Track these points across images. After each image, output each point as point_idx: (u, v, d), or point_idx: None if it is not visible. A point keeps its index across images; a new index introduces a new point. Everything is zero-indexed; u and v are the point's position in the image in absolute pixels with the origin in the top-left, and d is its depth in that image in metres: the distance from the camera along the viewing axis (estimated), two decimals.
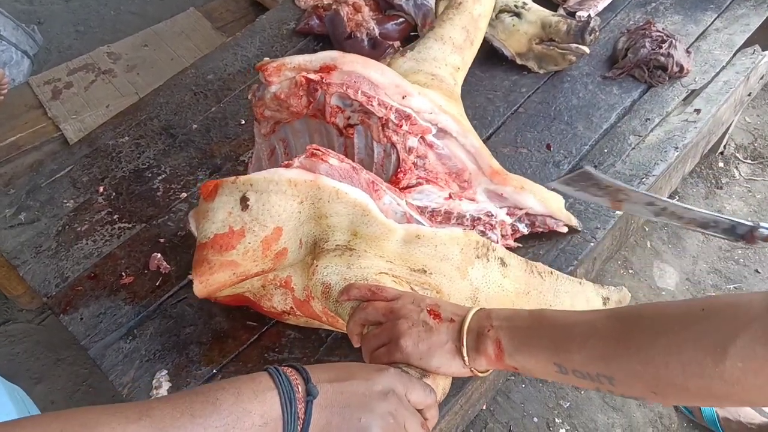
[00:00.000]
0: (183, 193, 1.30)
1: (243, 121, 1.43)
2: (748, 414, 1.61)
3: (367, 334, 0.81)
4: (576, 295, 1.00)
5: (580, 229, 1.16)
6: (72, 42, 2.91)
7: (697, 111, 1.36)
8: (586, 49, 1.40)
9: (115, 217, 1.27)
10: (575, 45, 1.40)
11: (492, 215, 1.08)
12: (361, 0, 1.58)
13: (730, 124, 1.88)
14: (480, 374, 0.77)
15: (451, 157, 1.10)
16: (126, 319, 1.11)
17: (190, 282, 1.11)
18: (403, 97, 1.06)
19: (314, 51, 1.18)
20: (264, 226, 0.88)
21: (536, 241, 1.15)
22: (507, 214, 1.11)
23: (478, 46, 1.28)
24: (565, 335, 0.69)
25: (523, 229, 1.13)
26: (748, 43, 1.50)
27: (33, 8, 3.08)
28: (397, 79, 1.07)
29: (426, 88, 1.12)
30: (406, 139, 1.06)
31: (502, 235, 1.10)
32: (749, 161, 2.24)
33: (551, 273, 1.00)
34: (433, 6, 1.43)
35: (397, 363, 0.75)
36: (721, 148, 2.22)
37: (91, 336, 1.10)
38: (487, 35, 1.45)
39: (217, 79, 1.54)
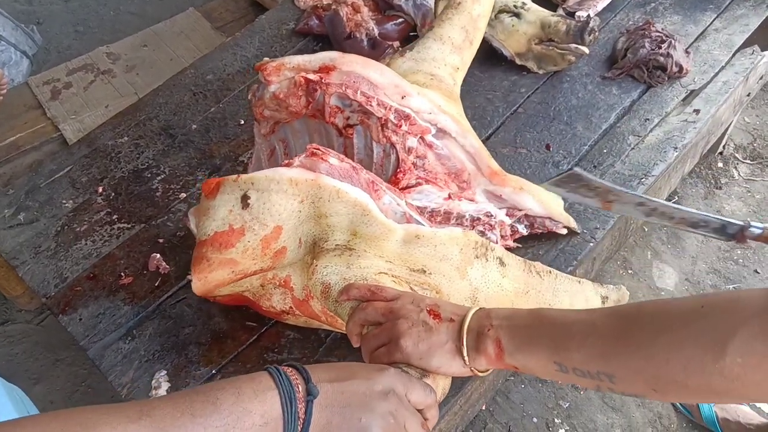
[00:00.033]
0: (182, 194, 1.30)
1: (242, 122, 1.43)
2: (747, 414, 1.61)
3: (366, 335, 0.81)
4: (575, 294, 1.00)
5: (578, 231, 1.16)
6: (71, 42, 2.91)
7: (697, 111, 1.36)
8: (586, 50, 1.40)
9: (114, 217, 1.27)
10: (574, 45, 1.40)
11: (491, 216, 1.08)
12: (360, 0, 1.58)
13: (730, 124, 1.88)
14: (480, 374, 0.77)
15: (451, 158, 1.10)
16: (125, 320, 1.11)
17: (190, 282, 1.11)
18: (403, 98, 1.06)
19: (313, 51, 1.18)
20: (264, 224, 0.88)
21: (535, 242, 1.15)
22: (506, 214, 1.11)
23: (477, 46, 1.28)
24: (565, 334, 0.69)
25: (523, 230, 1.13)
26: (747, 44, 1.50)
27: (32, 8, 3.08)
28: (397, 80, 1.07)
29: (425, 88, 1.12)
30: (405, 140, 1.06)
31: (502, 236, 1.10)
32: (748, 161, 2.24)
33: (550, 272, 1.00)
34: (433, 6, 1.43)
35: (397, 363, 0.75)
36: (720, 149, 2.22)
37: (90, 336, 1.09)
38: (486, 35, 1.45)
39: (216, 80, 1.54)
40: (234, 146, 1.39)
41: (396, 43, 1.53)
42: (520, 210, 1.11)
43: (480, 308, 0.77)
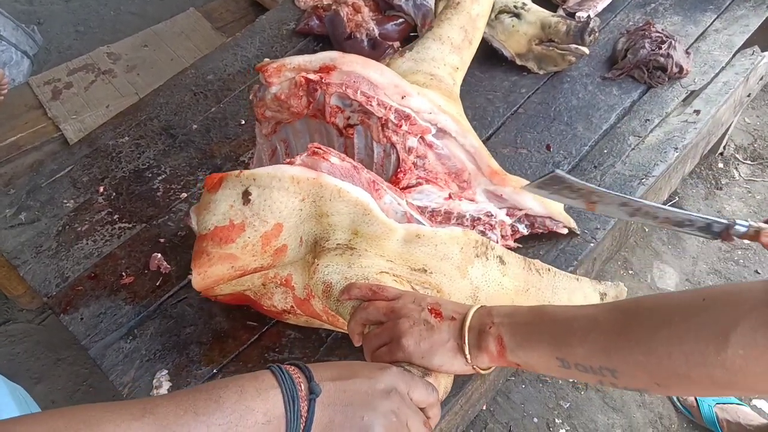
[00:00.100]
0: (183, 194, 1.30)
1: (243, 122, 1.43)
2: (748, 415, 1.62)
3: (368, 334, 0.81)
4: (573, 292, 1.01)
5: (578, 232, 1.16)
6: (72, 42, 2.92)
7: (697, 112, 1.36)
8: (586, 50, 1.41)
9: (116, 217, 1.27)
10: (575, 46, 1.40)
11: (492, 215, 1.08)
12: (360, 0, 1.58)
13: (730, 125, 1.88)
14: (482, 371, 0.77)
15: (451, 157, 1.10)
16: (126, 319, 1.11)
17: (191, 282, 1.11)
18: (403, 97, 1.06)
19: (314, 51, 1.18)
20: (264, 221, 0.89)
21: (536, 242, 1.15)
22: (507, 214, 1.11)
23: (477, 46, 1.28)
24: (567, 329, 0.69)
25: (523, 230, 1.13)
26: (747, 44, 1.50)
27: (33, 8, 3.08)
28: (396, 79, 1.07)
29: (425, 88, 1.12)
30: (405, 139, 1.06)
31: (502, 236, 1.10)
32: (749, 162, 2.24)
33: (549, 270, 1.00)
34: (433, 6, 1.43)
35: (398, 362, 0.75)
36: (720, 149, 2.22)
37: (92, 336, 1.10)
38: (486, 36, 1.45)
39: (217, 80, 1.54)
40: (235, 146, 1.39)
41: (396, 44, 1.53)
42: (521, 210, 1.11)
43: (481, 306, 0.77)
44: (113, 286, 1.16)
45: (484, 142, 1.32)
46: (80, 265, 1.20)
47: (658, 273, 1.98)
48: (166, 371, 1.04)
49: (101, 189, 1.32)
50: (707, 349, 0.57)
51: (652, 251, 2.02)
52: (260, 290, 0.98)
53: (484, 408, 1.71)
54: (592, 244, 1.15)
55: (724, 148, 2.24)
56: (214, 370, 1.04)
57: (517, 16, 1.45)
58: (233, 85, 1.53)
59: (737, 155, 2.26)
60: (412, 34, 1.58)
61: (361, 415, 0.64)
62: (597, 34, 1.43)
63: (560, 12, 1.55)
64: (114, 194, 1.32)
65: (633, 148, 1.31)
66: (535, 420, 1.71)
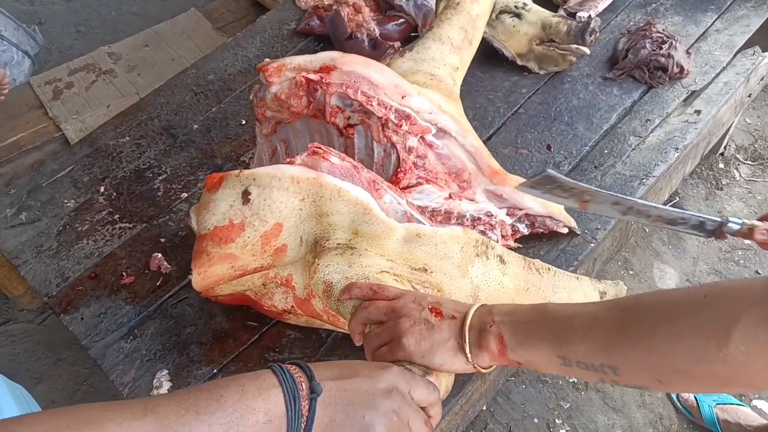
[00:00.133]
0: (184, 193, 1.30)
1: (244, 122, 1.43)
2: (748, 416, 1.61)
3: (369, 333, 0.81)
4: (573, 291, 1.01)
5: (578, 232, 1.16)
6: (73, 42, 2.92)
7: (698, 112, 1.36)
8: (587, 50, 1.40)
9: (116, 217, 1.28)
10: (575, 46, 1.40)
11: (492, 215, 1.08)
12: (361, 1, 1.58)
13: (731, 125, 1.88)
14: (483, 370, 0.77)
15: (451, 157, 1.10)
16: (127, 319, 1.11)
17: (191, 282, 1.11)
18: (403, 97, 1.06)
19: (315, 51, 1.18)
20: (264, 221, 0.89)
21: (536, 242, 1.15)
22: (507, 214, 1.11)
23: (477, 46, 1.28)
24: (568, 327, 0.69)
25: (523, 230, 1.13)
26: (748, 44, 1.50)
27: (34, 8, 3.08)
28: (397, 79, 1.07)
29: (425, 88, 1.12)
30: (405, 139, 1.06)
31: (503, 236, 1.10)
32: (749, 162, 2.24)
33: (549, 269, 1.00)
34: (434, 6, 1.43)
35: (399, 361, 0.75)
36: (721, 149, 2.22)
37: (92, 336, 1.10)
38: (487, 36, 1.45)
39: (217, 80, 1.54)
40: (235, 146, 1.39)
41: (397, 44, 1.53)
42: (521, 209, 1.11)
43: (482, 305, 0.77)
44: (114, 286, 1.16)
45: (485, 142, 1.32)
46: (81, 264, 1.20)
47: (658, 273, 1.98)
48: (167, 371, 1.04)
49: (102, 189, 1.32)
50: (709, 345, 0.57)
51: (652, 251, 2.02)
52: (260, 290, 0.98)
53: (485, 408, 1.71)
54: (592, 245, 1.15)
55: (725, 148, 2.24)
56: (215, 370, 1.04)
57: (518, 16, 1.45)
58: (234, 85, 1.53)
59: (738, 155, 2.26)
60: (412, 34, 1.58)
61: (363, 414, 0.64)
62: (598, 34, 1.43)
63: (561, 12, 1.55)
64: (115, 194, 1.32)
65: (633, 149, 1.31)
66: (536, 420, 1.71)
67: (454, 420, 1.05)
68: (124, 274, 1.18)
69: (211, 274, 0.92)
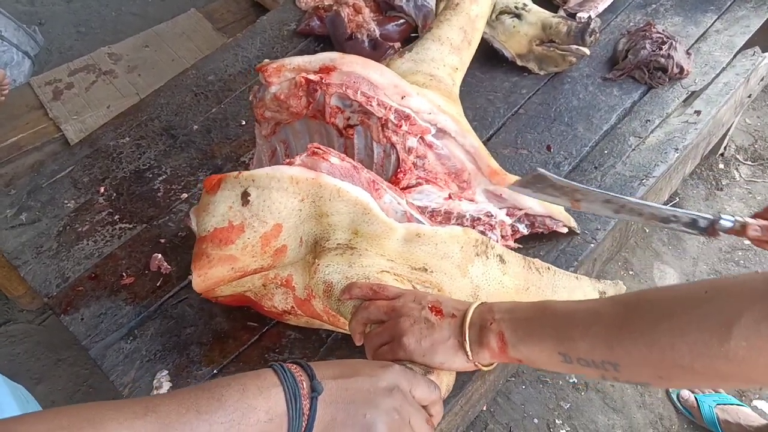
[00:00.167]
0: (184, 194, 1.30)
1: (244, 122, 1.44)
2: (749, 416, 1.61)
3: (369, 333, 0.81)
4: (573, 290, 1.01)
5: (578, 231, 1.16)
6: (73, 43, 2.92)
7: (698, 112, 1.36)
8: (587, 51, 1.41)
9: (116, 217, 1.28)
10: (575, 46, 1.40)
11: (492, 215, 1.08)
12: (361, 1, 1.58)
13: (731, 125, 1.88)
14: (484, 368, 0.77)
15: (450, 157, 1.10)
16: (127, 320, 1.11)
17: (191, 283, 1.11)
18: (402, 98, 1.06)
19: (315, 52, 1.18)
20: (263, 222, 0.89)
21: (536, 242, 1.15)
22: (507, 214, 1.11)
23: (476, 47, 1.28)
24: (569, 323, 0.69)
25: (523, 230, 1.13)
26: (748, 45, 1.50)
27: (34, 9, 3.09)
28: (396, 80, 1.07)
29: (424, 89, 1.13)
30: (405, 140, 1.06)
31: (502, 236, 1.10)
32: (749, 163, 2.24)
33: (548, 269, 1.00)
34: (434, 7, 1.43)
35: (400, 361, 0.75)
36: (721, 150, 2.22)
37: (92, 336, 1.10)
38: (487, 36, 1.45)
39: (217, 80, 1.54)
40: (235, 147, 1.39)
41: (397, 44, 1.53)
42: (521, 209, 1.11)
43: (482, 303, 0.77)
44: (114, 286, 1.16)
45: (485, 142, 1.32)
46: (81, 265, 1.20)
47: (658, 273, 1.98)
48: (167, 372, 1.04)
49: (102, 189, 1.32)
50: (710, 341, 0.57)
51: (652, 252, 2.02)
52: (261, 291, 0.98)
53: (485, 409, 1.71)
54: (592, 245, 1.15)
55: (725, 148, 2.24)
56: (215, 371, 1.04)
57: (518, 16, 1.45)
58: (234, 86, 1.53)
59: (738, 156, 2.26)
60: (413, 34, 1.58)
61: (364, 413, 0.64)
62: (598, 35, 1.43)
63: (561, 13, 1.55)
64: (115, 195, 1.32)
65: (633, 149, 1.31)
66: (536, 421, 1.71)
67: (454, 420, 1.05)
68: (124, 274, 1.18)
69: (211, 276, 0.92)
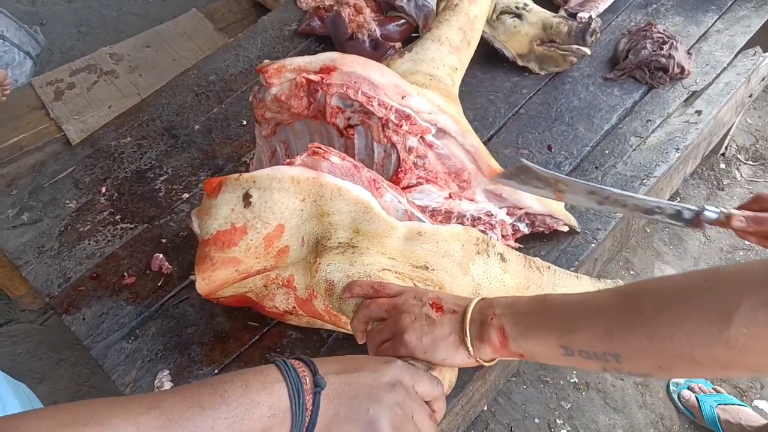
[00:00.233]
0: (185, 194, 1.31)
1: (245, 122, 1.44)
2: (749, 416, 1.61)
3: (371, 331, 0.81)
4: (574, 289, 1.01)
5: (578, 230, 1.16)
6: (74, 43, 2.92)
7: (698, 112, 1.36)
8: (587, 51, 1.41)
9: (117, 217, 1.28)
10: (576, 46, 1.40)
11: (492, 215, 1.08)
12: (362, 1, 1.58)
13: (732, 125, 1.88)
14: (486, 364, 0.77)
15: (451, 157, 1.11)
16: (128, 320, 1.11)
17: (192, 282, 1.11)
18: (403, 97, 1.06)
19: (315, 52, 1.19)
20: (266, 223, 0.89)
21: (537, 242, 1.15)
22: (507, 213, 1.11)
23: (475, 47, 1.28)
24: (569, 316, 0.69)
25: (524, 229, 1.13)
26: (749, 45, 1.50)
27: (35, 9, 3.09)
28: (397, 80, 1.07)
29: (424, 89, 1.13)
30: (406, 139, 1.06)
31: (503, 235, 1.10)
32: (751, 163, 2.24)
33: (549, 267, 1.01)
34: (434, 7, 1.43)
35: (402, 357, 0.76)
36: (722, 150, 2.22)
37: (94, 336, 1.10)
38: (488, 36, 1.45)
39: (218, 80, 1.55)
40: (236, 147, 1.39)
41: (398, 44, 1.53)
42: (521, 208, 1.11)
43: (482, 298, 0.77)
44: (115, 286, 1.17)
45: (486, 142, 1.32)
46: (82, 265, 1.20)
47: (659, 273, 1.98)
48: (168, 371, 1.04)
49: (103, 189, 1.33)
50: (710, 329, 0.57)
51: (653, 252, 2.02)
52: (262, 291, 0.98)
53: (485, 408, 1.71)
54: (593, 245, 1.15)
55: (726, 148, 2.24)
56: (216, 371, 1.04)
57: (519, 16, 1.45)
58: (235, 86, 1.53)
59: (739, 156, 2.26)
60: (413, 35, 1.58)
61: (367, 408, 0.64)
62: (598, 35, 1.43)
63: (562, 13, 1.55)
64: (116, 195, 1.32)
65: (634, 149, 1.31)
66: (537, 420, 1.71)
67: (455, 420, 1.05)
68: (125, 274, 1.18)
69: (215, 279, 0.92)
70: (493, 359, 0.77)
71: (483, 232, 1.06)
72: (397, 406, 0.65)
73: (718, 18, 1.56)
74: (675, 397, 1.73)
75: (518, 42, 1.45)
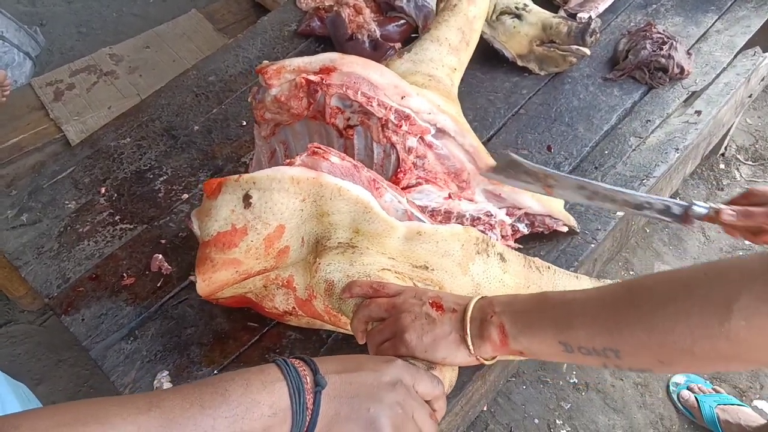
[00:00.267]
0: (184, 195, 1.30)
1: (244, 123, 1.44)
2: (749, 416, 1.61)
3: (371, 331, 0.81)
4: (573, 289, 1.01)
5: (578, 230, 1.16)
6: (74, 43, 2.92)
7: (698, 112, 1.36)
8: (587, 51, 1.41)
9: (117, 218, 1.28)
10: (576, 47, 1.40)
11: (491, 215, 1.08)
12: (362, 2, 1.58)
13: (731, 125, 1.88)
14: (486, 362, 0.77)
15: (450, 157, 1.11)
16: (127, 320, 1.11)
17: (192, 283, 1.11)
18: (402, 98, 1.06)
19: (315, 53, 1.19)
20: (266, 223, 0.89)
21: (537, 243, 1.15)
22: (506, 214, 1.11)
23: (474, 47, 1.28)
24: (568, 312, 0.69)
25: (523, 229, 1.13)
26: (748, 45, 1.50)
27: (35, 10, 3.09)
28: (396, 80, 1.07)
29: (424, 89, 1.13)
30: (405, 140, 1.06)
31: (502, 236, 1.10)
32: (750, 163, 2.24)
33: (548, 267, 1.01)
34: (434, 8, 1.43)
35: (402, 357, 0.75)
36: (722, 150, 2.22)
37: (93, 337, 1.10)
38: (488, 37, 1.45)
39: (218, 81, 1.55)
40: (236, 147, 1.39)
41: (398, 45, 1.53)
42: (520, 209, 1.11)
43: (482, 297, 0.77)
44: (114, 287, 1.16)
45: (485, 142, 1.32)
46: (81, 266, 1.20)
47: None
48: (167, 372, 1.04)
49: (103, 190, 1.33)
50: (710, 322, 0.57)
51: (653, 252, 2.02)
52: (262, 292, 0.98)
53: (485, 409, 1.71)
54: (592, 245, 1.15)
55: (726, 148, 2.24)
56: (215, 371, 1.04)
57: (519, 17, 1.45)
58: (235, 86, 1.53)
59: (738, 156, 2.26)
60: (413, 35, 1.58)
61: (367, 407, 0.64)
62: (598, 35, 1.43)
63: (561, 13, 1.55)
64: (115, 195, 1.32)
65: (634, 149, 1.31)
66: (536, 421, 1.71)
67: (455, 421, 1.05)
68: (124, 275, 1.18)
69: (216, 280, 0.92)
70: (494, 357, 0.77)
71: (482, 232, 1.06)
72: (397, 406, 0.65)
73: (718, 18, 1.56)
74: (674, 397, 1.73)
75: (518, 42, 1.45)
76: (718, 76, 1.43)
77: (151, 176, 1.35)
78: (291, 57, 1.19)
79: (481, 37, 1.33)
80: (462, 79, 1.25)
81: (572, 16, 1.52)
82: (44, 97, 2.03)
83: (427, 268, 0.91)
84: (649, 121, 1.36)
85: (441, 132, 1.10)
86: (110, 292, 1.16)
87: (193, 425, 0.55)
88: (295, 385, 0.61)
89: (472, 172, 1.11)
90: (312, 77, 1.05)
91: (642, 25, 1.52)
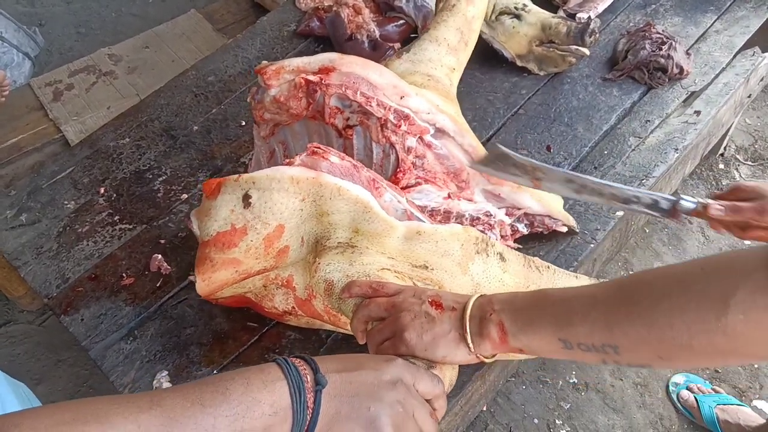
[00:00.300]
0: (184, 195, 1.30)
1: (243, 123, 1.44)
2: (748, 416, 1.61)
3: (371, 330, 0.81)
4: None
5: (577, 230, 1.16)
6: (73, 44, 2.92)
7: (697, 113, 1.36)
8: (586, 51, 1.41)
9: (116, 218, 1.28)
10: (575, 47, 1.40)
11: (491, 215, 1.08)
12: (361, 2, 1.58)
13: (730, 125, 1.88)
14: (486, 360, 0.77)
15: (449, 157, 1.11)
16: (127, 320, 1.11)
17: (191, 283, 1.11)
18: (401, 98, 1.06)
19: (314, 53, 1.19)
20: (266, 223, 0.89)
21: (536, 243, 1.15)
22: (506, 214, 1.11)
23: (473, 47, 1.28)
24: (567, 309, 0.69)
25: (523, 229, 1.13)
26: (748, 45, 1.50)
27: (34, 10, 3.09)
28: (395, 80, 1.07)
29: (423, 89, 1.13)
30: (404, 139, 1.06)
31: (502, 236, 1.10)
32: (750, 163, 2.24)
33: (548, 267, 1.01)
34: (433, 8, 1.43)
35: (403, 356, 0.75)
36: (721, 150, 2.22)
37: (92, 337, 1.10)
38: (487, 37, 1.45)
39: (217, 81, 1.55)
40: (235, 147, 1.39)
41: (397, 45, 1.53)
42: (519, 209, 1.11)
43: (481, 295, 0.77)
44: (114, 287, 1.16)
45: (485, 142, 1.32)
46: (81, 266, 1.20)
47: None
48: (167, 372, 1.04)
49: (102, 190, 1.33)
50: (708, 316, 0.57)
51: (652, 252, 2.02)
52: (261, 292, 0.98)
53: (485, 409, 1.71)
54: (592, 245, 1.15)
55: (725, 149, 2.24)
56: (215, 371, 1.04)
57: (518, 17, 1.45)
58: (234, 87, 1.53)
59: (738, 156, 2.26)
60: (412, 35, 1.58)
61: (368, 406, 0.64)
62: (597, 36, 1.43)
63: (561, 13, 1.55)
64: (115, 195, 1.32)
65: (633, 149, 1.31)
66: (536, 421, 1.71)
67: (454, 420, 1.05)
68: (124, 275, 1.18)
69: (215, 280, 0.92)
70: (494, 355, 0.77)
71: (482, 232, 1.06)
72: (398, 405, 0.65)
73: (717, 18, 1.57)
74: (674, 397, 1.73)
75: (517, 42, 1.45)
76: (717, 76, 1.44)
77: (151, 176, 1.35)
78: (290, 57, 1.20)
79: (481, 37, 1.33)
80: (461, 79, 1.25)
81: (571, 16, 1.52)
82: (43, 97, 2.03)
83: (427, 267, 0.91)
84: (649, 121, 1.36)
85: (440, 132, 1.10)
86: (109, 292, 1.16)
87: (194, 424, 0.55)
88: (295, 384, 0.61)
89: (472, 172, 1.11)
90: (311, 77, 1.05)
91: (641, 26, 1.52)
